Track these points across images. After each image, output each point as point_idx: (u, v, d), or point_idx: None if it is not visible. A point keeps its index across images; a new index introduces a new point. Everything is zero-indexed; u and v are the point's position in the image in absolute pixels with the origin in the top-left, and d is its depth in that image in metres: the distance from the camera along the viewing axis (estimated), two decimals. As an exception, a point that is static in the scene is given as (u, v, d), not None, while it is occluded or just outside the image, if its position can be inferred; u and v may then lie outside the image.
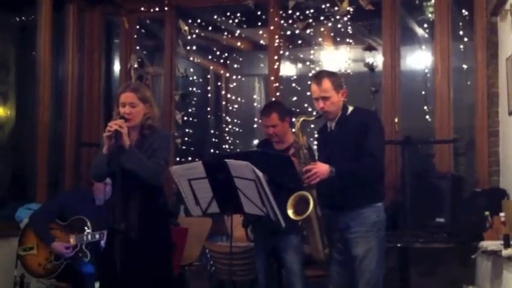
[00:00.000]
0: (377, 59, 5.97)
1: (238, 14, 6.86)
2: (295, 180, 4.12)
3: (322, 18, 6.28)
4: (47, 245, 5.01)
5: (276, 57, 6.22)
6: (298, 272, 4.46)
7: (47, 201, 5.56)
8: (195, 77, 7.62)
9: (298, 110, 6.65)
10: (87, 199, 5.21)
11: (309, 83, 6.65)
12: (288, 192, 3.94)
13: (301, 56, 7.18)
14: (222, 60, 7.94)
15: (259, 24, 6.63)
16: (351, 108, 4.02)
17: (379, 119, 4.08)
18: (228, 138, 7.61)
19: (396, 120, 5.68)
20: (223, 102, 8.02)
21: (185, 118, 6.65)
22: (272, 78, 6.20)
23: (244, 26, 7.10)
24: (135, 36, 6.67)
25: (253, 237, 4.62)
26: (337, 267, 3.99)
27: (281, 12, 6.22)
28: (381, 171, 3.97)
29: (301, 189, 4.28)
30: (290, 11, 6.16)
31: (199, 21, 6.91)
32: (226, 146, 7.56)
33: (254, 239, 4.62)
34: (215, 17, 6.97)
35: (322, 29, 6.58)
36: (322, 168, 3.80)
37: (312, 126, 5.43)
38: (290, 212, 3.84)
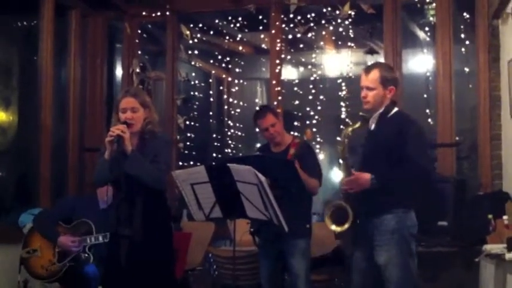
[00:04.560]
0: (379, 63, 5.96)
1: (240, 18, 6.87)
2: (297, 184, 4.12)
3: (323, 22, 6.30)
4: (53, 242, 5.01)
5: (277, 61, 6.22)
6: (305, 277, 4.42)
7: (53, 204, 5.58)
8: (196, 81, 7.63)
9: (300, 114, 6.69)
10: (92, 203, 5.22)
11: (311, 86, 6.74)
12: (291, 196, 3.93)
13: (303, 59, 7.20)
14: (223, 65, 7.95)
15: (261, 28, 6.65)
16: (395, 110, 3.88)
17: (418, 124, 3.88)
18: (230, 142, 7.61)
19: (398, 123, 5.67)
20: (225, 106, 8.02)
21: (187, 122, 6.65)
22: (274, 82, 6.20)
23: (246, 30, 7.12)
24: (137, 41, 6.68)
25: (258, 242, 4.60)
26: (358, 276, 3.85)
27: (282, 16, 6.22)
28: (425, 177, 3.81)
29: (303, 193, 4.30)
30: (291, 15, 6.16)
31: (200, 25, 6.93)
32: (229, 150, 7.56)
33: (259, 244, 4.59)
34: (217, 21, 6.98)
35: (323, 33, 6.60)
36: (363, 179, 3.70)
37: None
38: (328, 222, 3.75)
